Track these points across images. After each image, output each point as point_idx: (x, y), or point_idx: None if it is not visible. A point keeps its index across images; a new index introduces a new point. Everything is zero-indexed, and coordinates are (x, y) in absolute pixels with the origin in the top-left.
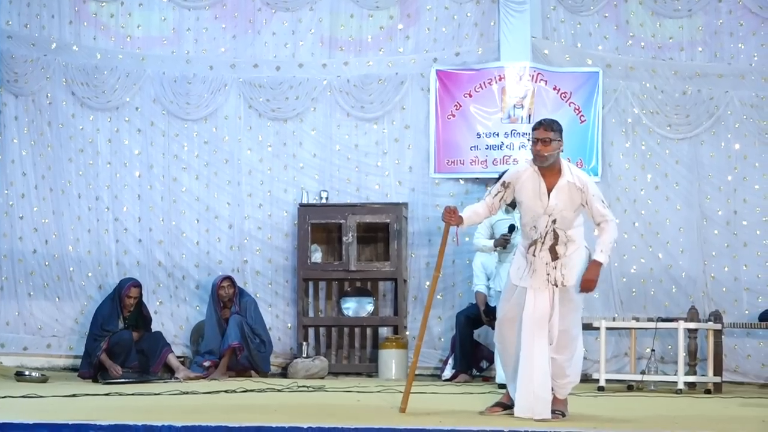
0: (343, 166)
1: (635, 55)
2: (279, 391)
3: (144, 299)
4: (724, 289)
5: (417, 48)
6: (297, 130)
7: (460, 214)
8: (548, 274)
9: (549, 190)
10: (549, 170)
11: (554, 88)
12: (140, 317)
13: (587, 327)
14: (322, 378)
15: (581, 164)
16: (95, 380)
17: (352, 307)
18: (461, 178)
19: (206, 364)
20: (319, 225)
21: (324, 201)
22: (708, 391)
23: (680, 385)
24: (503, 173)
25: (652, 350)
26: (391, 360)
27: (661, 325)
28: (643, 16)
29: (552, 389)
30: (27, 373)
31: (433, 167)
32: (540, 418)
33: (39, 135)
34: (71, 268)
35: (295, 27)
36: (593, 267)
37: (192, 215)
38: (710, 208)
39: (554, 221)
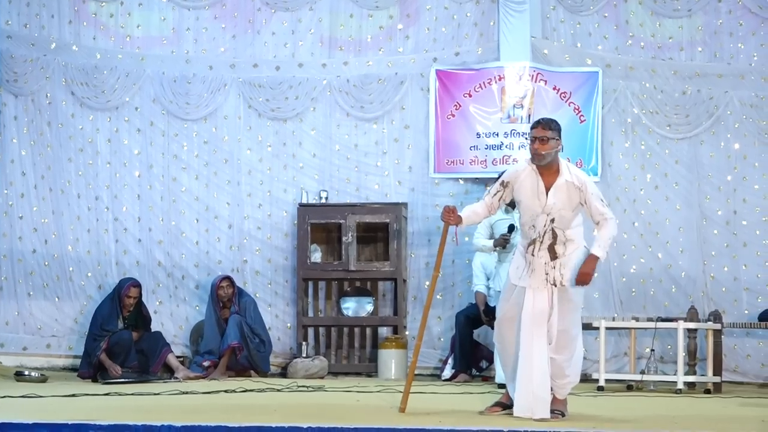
0: (343, 166)
1: (635, 55)
2: (278, 391)
3: (143, 299)
4: (723, 289)
5: (417, 48)
6: (297, 130)
7: (459, 213)
8: (547, 274)
9: (547, 189)
10: (547, 169)
11: (554, 88)
12: (140, 317)
13: (587, 327)
14: (322, 378)
15: (581, 164)
16: (95, 380)
17: (351, 307)
18: (461, 178)
19: (206, 364)
20: (319, 225)
21: (323, 201)
22: (707, 391)
23: (680, 385)
24: (502, 173)
25: (652, 350)
26: (390, 360)
27: (660, 324)
28: (642, 16)
29: (552, 389)
30: (26, 373)
31: (433, 167)
32: (539, 417)
33: (38, 135)
34: (71, 268)
35: (294, 27)
36: (590, 261)
37: (191, 215)
38: (710, 208)
39: (552, 220)
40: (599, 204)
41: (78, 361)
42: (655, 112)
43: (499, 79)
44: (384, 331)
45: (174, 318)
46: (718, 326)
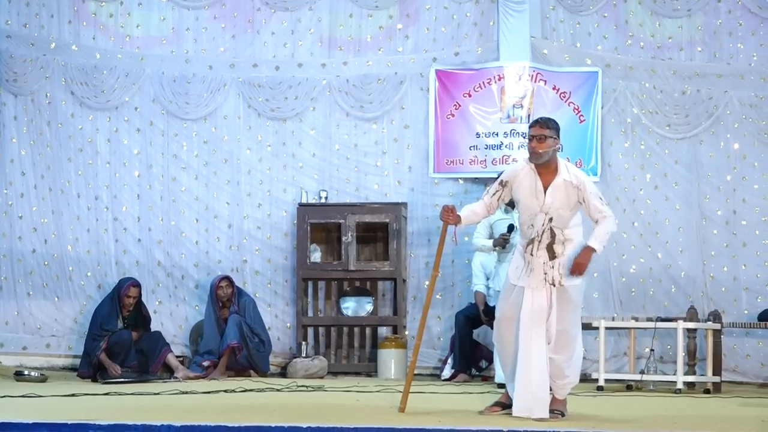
0: (343, 165)
1: (634, 54)
2: (278, 390)
3: (143, 299)
4: (723, 288)
5: (416, 48)
6: (296, 129)
7: (458, 213)
8: (546, 274)
9: (545, 188)
10: (545, 168)
11: (553, 88)
12: (139, 317)
13: (587, 327)
14: (322, 378)
15: (580, 164)
16: (94, 380)
17: (351, 306)
18: (460, 178)
19: (205, 363)
20: (319, 225)
21: (323, 201)
22: (707, 391)
23: (679, 385)
24: (502, 173)
25: (652, 350)
26: (390, 360)
27: (660, 324)
28: (642, 15)
29: (551, 389)
30: (26, 372)
31: (433, 167)
32: (538, 417)
33: (38, 134)
34: (70, 268)
35: (294, 27)
36: (585, 252)
37: (191, 215)
38: (709, 208)
39: (551, 219)
40: (598, 202)
41: (78, 361)
42: (654, 112)
43: (499, 79)
44: (384, 331)
45: (174, 318)
46: (717, 326)
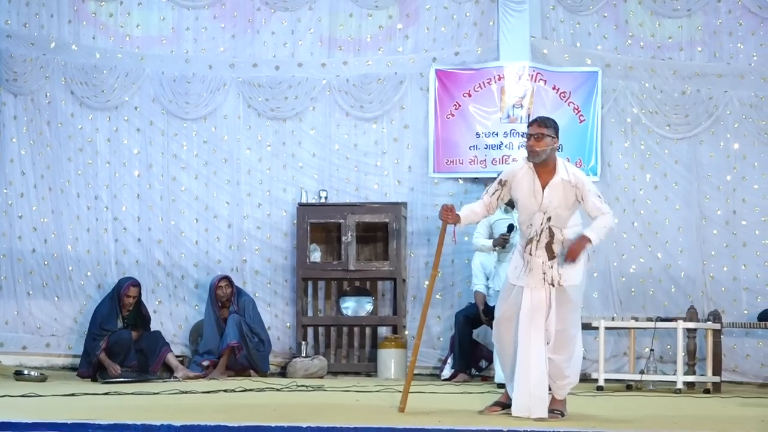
0: (342, 165)
1: (634, 54)
2: (278, 390)
3: (143, 298)
4: (723, 288)
5: (416, 48)
6: (296, 129)
7: (457, 212)
8: (544, 273)
9: (543, 187)
10: (543, 167)
11: (553, 88)
12: (139, 316)
13: (586, 327)
14: (321, 377)
15: (580, 164)
16: (94, 379)
17: (351, 306)
18: (460, 178)
19: (205, 363)
20: (318, 224)
21: (323, 200)
22: (707, 391)
23: (679, 385)
24: (501, 173)
25: (651, 350)
26: (390, 359)
27: (660, 324)
28: (642, 15)
29: (551, 389)
30: (26, 372)
31: (432, 167)
32: (536, 417)
33: (38, 134)
34: (70, 268)
35: (294, 26)
36: (580, 240)
37: (191, 214)
38: (709, 208)
39: (549, 219)
40: (596, 200)
41: (77, 361)
42: (654, 111)
43: (499, 79)
44: (383, 331)
45: (173, 317)
46: (717, 326)
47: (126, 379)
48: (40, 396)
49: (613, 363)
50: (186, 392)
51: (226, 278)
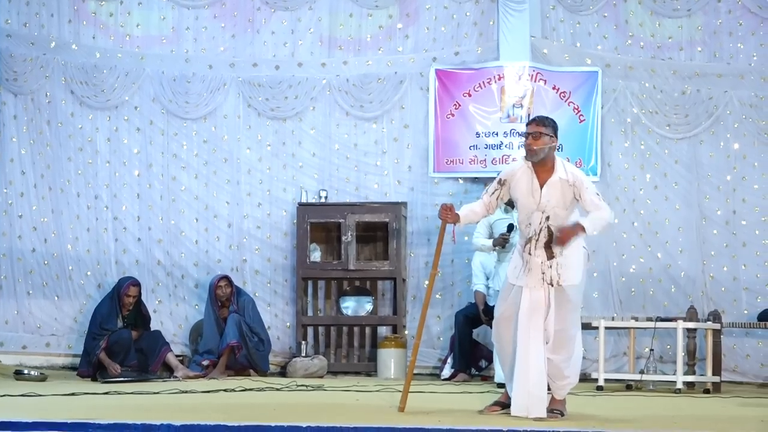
0: (342, 165)
1: (634, 54)
2: (278, 390)
3: (143, 298)
4: (723, 288)
5: (416, 47)
6: (296, 129)
7: (457, 212)
8: (543, 273)
9: (542, 186)
10: (542, 167)
11: (553, 88)
12: (139, 316)
13: (586, 326)
14: (321, 377)
15: (580, 164)
16: (94, 379)
17: (351, 306)
18: (460, 178)
19: (205, 363)
20: (318, 224)
21: (323, 200)
22: (707, 391)
23: (679, 385)
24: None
25: (651, 350)
26: (390, 359)
27: (660, 324)
28: (642, 15)
29: (550, 389)
30: (26, 371)
31: (432, 166)
32: (535, 416)
33: (38, 134)
34: (70, 267)
35: (294, 26)
36: (574, 226)
37: (191, 214)
38: (709, 208)
39: (548, 218)
40: (594, 197)
41: (77, 360)
42: (654, 111)
43: (499, 79)
44: (383, 331)
45: (173, 317)
46: (717, 326)
47: (126, 379)
48: (40, 395)
49: (613, 363)
50: (186, 392)
51: (226, 278)
